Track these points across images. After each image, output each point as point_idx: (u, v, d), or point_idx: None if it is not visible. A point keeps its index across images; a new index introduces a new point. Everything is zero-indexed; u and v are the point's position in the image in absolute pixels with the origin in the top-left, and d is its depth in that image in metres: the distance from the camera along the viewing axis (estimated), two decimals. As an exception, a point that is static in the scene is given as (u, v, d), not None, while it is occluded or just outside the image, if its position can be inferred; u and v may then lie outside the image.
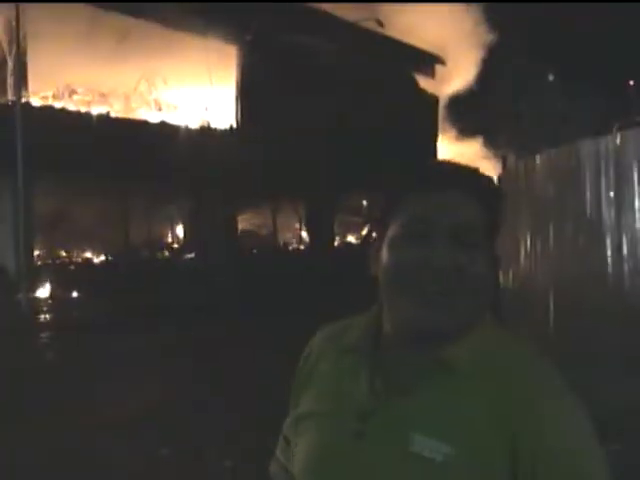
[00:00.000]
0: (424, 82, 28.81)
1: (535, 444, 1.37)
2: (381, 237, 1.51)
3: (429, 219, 1.45)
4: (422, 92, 28.19)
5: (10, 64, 15.46)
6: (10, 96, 15.35)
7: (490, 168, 29.42)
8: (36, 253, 16.67)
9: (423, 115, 27.04)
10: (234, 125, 20.58)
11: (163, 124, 18.89)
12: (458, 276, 1.42)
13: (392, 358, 1.50)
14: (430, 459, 1.38)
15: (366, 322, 1.58)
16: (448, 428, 1.40)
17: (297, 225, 23.60)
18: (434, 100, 29.44)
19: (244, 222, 21.79)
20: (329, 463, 1.50)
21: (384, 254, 1.48)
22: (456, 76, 31.19)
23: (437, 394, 1.44)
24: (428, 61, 29.18)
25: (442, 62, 29.86)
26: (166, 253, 19.73)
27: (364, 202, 25.82)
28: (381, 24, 24.61)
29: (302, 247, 23.30)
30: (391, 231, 1.48)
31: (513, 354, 1.49)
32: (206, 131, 19.69)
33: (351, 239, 26.15)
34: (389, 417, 1.45)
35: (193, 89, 20.06)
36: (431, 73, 29.75)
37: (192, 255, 19.56)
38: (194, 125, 19.64)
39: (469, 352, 1.46)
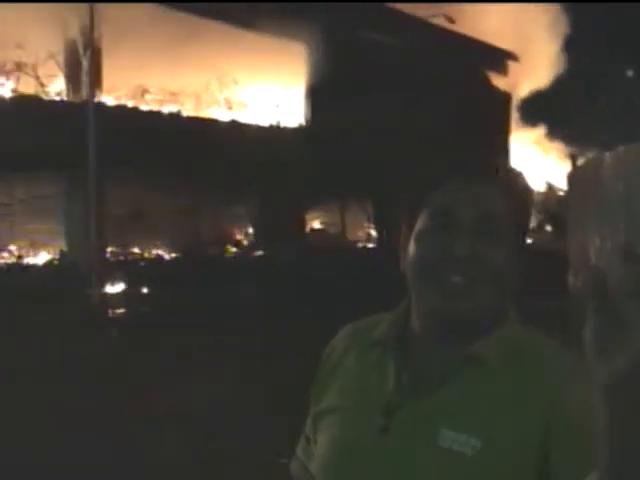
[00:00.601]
0: (496, 79, 28.46)
1: (568, 430, 1.37)
2: (408, 233, 1.55)
3: (452, 211, 1.49)
4: (494, 89, 27.87)
5: (85, 64, 15.78)
6: (84, 95, 15.67)
7: (561, 166, 29.04)
8: (109, 249, 17.01)
9: (495, 113, 26.72)
10: (303, 123, 20.67)
11: (233, 123, 19.07)
12: (479, 265, 1.45)
13: (420, 352, 1.52)
14: (460, 453, 1.39)
15: (393, 317, 1.60)
16: (477, 422, 1.41)
17: (366, 223, 23.57)
18: (506, 97, 29.07)
19: (313, 220, 21.88)
20: (352, 458, 1.49)
21: (411, 248, 1.52)
22: (530, 73, 30.73)
23: (466, 389, 1.45)
24: (500, 57, 28.80)
25: (515, 58, 29.43)
26: (235, 250, 19.90)
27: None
28: (451, 20, 24.40)
29: (371, 245, 23.27)
30: (418, 225, 1.52)
31: (543, 347, 1.51)
32: (275, 130, 19.81)
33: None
34: (416, 412, 1.45)
35: (263, 88, 20.19)
36: (503, 70, 29.36)
37: (261, 253, 19.70)
38: (264, 123, 19.78)
39: (498, 346, 1.48)
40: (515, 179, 1.58)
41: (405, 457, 1.43)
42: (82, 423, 7.25)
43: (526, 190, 1.61)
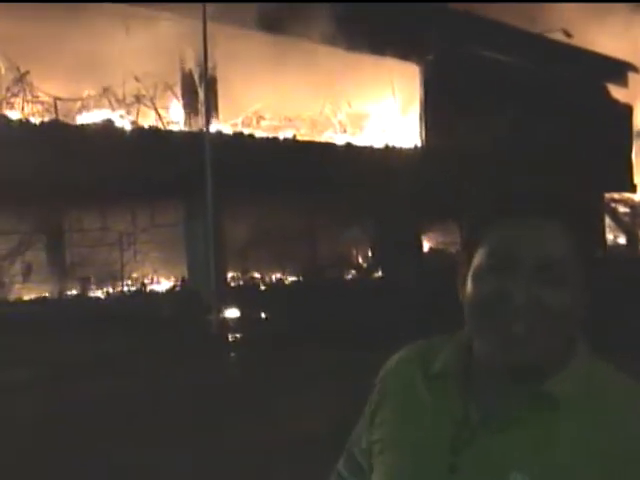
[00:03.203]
0: (616, 91, 27.70)
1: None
2: (466, 265, 1.44)
3: (512, 252, 1.37)
4: (614, 102, 27.12)
5: (201, 94, 16.10)
6: (201, 125, 15.98)
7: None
8: (230, 275, 17.25)
9: (616, 126, 26.02)
10: (418, 144, 20.54)
11: (348, 145, 19.10)
12: (540, 313, 1.34)
13: (487, 388, 1.41)
14: None
15: (456, 346, 1.50)
16: (547, 469, 1.31)
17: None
18: (628, 110, 28.25)
19: (431, 241, 21.68)
20: None
21: (468, 284, 1.41)
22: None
23: (537, 430, 1.34)
24: (620, 69, 28.05)
25: (635, 70, 28.62)
26: (353, 273, 19.87)
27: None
28: (569, 34, 23.91)
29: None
30: (476, 260, 1.41)
31: (625, 389, 1.40)
32: (390, 151, 19.74)
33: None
34: (485, 451, 1.35)
35: (377, 109, 20.20)
36: (624, 82, 28.56)
37: (379, 274, 19.60)
38: (379, 145, 19.74)
39: (573, 385, 1.37)
40: (582, 213, 1.44)
41: None
42: (208, 447, 7.29)
43: (593, 226, 1.48)
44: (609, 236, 28.03)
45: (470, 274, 1.42)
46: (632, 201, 29.00)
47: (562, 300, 1.35)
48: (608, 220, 27.77)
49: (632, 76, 28.70)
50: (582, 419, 1.34)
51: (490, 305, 1.36)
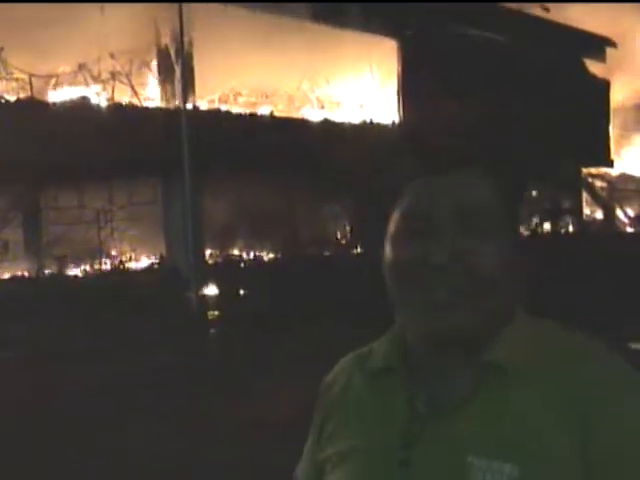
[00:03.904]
0: (594, 66, 27.77)
1: (612, 436, 1.16)
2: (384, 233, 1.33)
3: (427, 206, 1.26)
4: (592, 77, 27.19)
5: (177, 71, 15.98)
6: (178, 101, 15.88)
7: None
8: (208, 252, 17.20)
9: (594, 101, 26.12)
10: (396, 120, 20.51)
11: (326, 121, 19.04)
12: (467, 271, 1.21)
13: (428, 372, 1.29)
14: None
15: (391, 339, 1.37)
16: (510, 444, 1.19)
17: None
18: (606, 85, 28.32)
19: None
20: None
21: (386, 252, 1.30)
22: (630, 59, 29.90)
23: (490, 406, 1.23)
24: (598, 44, 28.09)
25: (613, 45, 28.66)
26: (332, 251, 19.87)
27: (533, 192, 25.16)
28: (546, 9, 23.92)
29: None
30: (391, 225, 1.30)
31: (569, 343, 1.28)
32: (368, 128, 19.70)
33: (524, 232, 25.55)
34: (438, 440, 1.23)
35: (355, 85, 20.13)
36: (602, 57, 28.62)
37: (358, 251, 19.62)
38: (356, 121, 19.69)
39: (517, 349, 1.25)
40: (502, 162, 1.34)
41: None
42: (186, 421, 7.29)
43: (518, 175, 1.39)
44: (586, 211, 28.21)
45: (387, 241, 1.30)
46: (609, 176, 29.16)
47: (491, 255, 1.22)
48: (585, 195, 27.93)
49: (610, 51, 28.76)
50: (533, 385, 1.22)
51: (409, 269, 1.24)
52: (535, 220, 24.10)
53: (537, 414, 1.20)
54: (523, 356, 1.25)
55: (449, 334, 1.24)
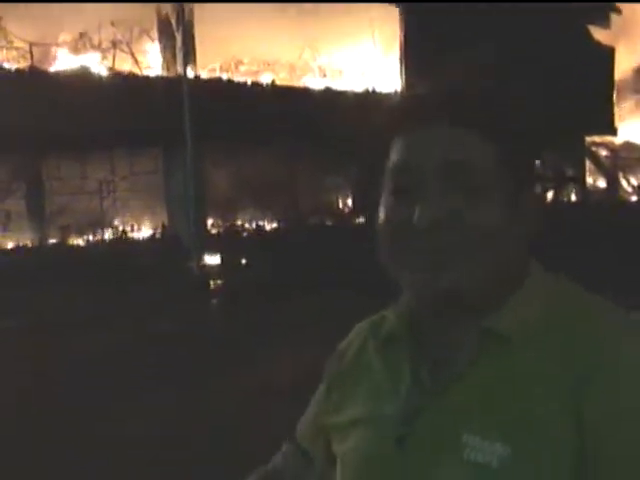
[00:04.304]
0: (598, 33, 27.54)
1: (609, 400, 1.08)
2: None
3: (415, 164, 1.18)
4: (596, 44, 26.98)
5: (178, 39, 15.89)
6: (179, 70, 15.80)
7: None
8: (210, 222, 17.19)
9: (597, 68, 25.92)
10: (398, 88, 20.39)
11: (328, 90, 18.94)
12: (455, 231, 1.14)
13: (431, 342, 1.23)
14: (484, 465, 1.11)
15: (399, 305, 1.31)
16: (504, 423, 1.12)
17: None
18: (610, 51, 28.11)
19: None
20: (370, 475, 1.24)
21: (378, 214, 1.26)
22: (635, 26, 29.67)
23: (488, 378, 1.15)
24: (602, 10, 27.83)
25: (618, 11, 28.40)
26: (334, 220, 19.85)
27: (537, 162, 25.06)
28: None
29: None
30: (382, 188, 1.26)
31: (582, 306, 1.18)
32: (370, 96, 19.59)
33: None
34: (436, 416, 1.18)
35: (357, 53, 20.00)
36: (606, 23, 28.36)
37: (361, 221, 19.60)
38: (358, 90, 19.58)
39: (523, 315, 1.17)
40: (501, 115, 1.22)
41: (426, 473, 1.17)
42: (187, 388, 7.32)
43: (519, 128, 1.25)
44: (589, 179, 28.12)
45: (380, 205, 1.25)
46: (613, 144, 29.01)
47: (481, 213, 1.14)
48: (589, 163, 27.82)
49: (615, 18, 28.52)
50: (536, 355, 1.14)
51: (397, 229, 1.19)
52: (538, 188, 24.01)
53: (536, 389, 1.12)
54: (528, 323, 1.17)
55: (445, 297, 1.17)
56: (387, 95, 19.97)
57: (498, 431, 1.12)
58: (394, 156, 1.22)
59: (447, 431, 1.16)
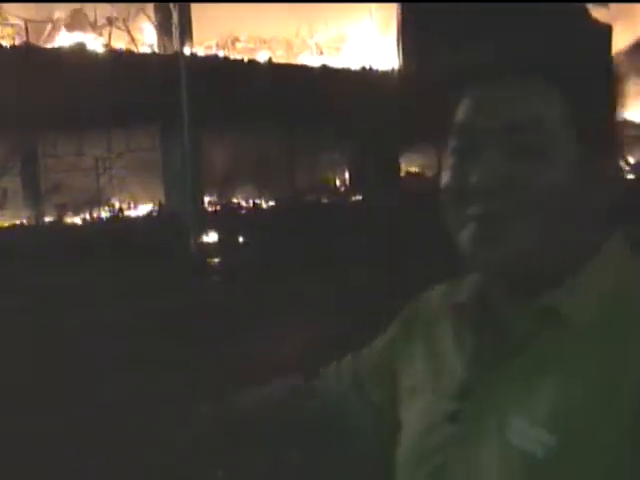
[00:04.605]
0: (596, 12, 27.44)
1: None
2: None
3: (472, 126, 1.12)
4: (594, 22, 26.87)
5: (175, 16, 15.82)
6: (176, 48, 15.74)
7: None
8: (207, 199, 17.18)
9: (594, 47, 25.81)
10: (396, 65, 20.33)
11: (324, 68, 18.89)
12: (512, 193, 1.06)
13: (492, 317, 1.16)
14: (529, 454, 1.03)
15: (476, 275, 1.24)
16: (553, 411, 1.03)
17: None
18: (607, 30, 28.01)
19: (408, 164, 21.61)
20: (425, 453, 1.19)
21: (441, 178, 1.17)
22: (633, 4, 29.56)
23: (542, 360, 1.07)
24: (600, -12, 27.73)
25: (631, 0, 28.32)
26: (332, 197, 19.85)
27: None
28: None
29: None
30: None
31: None
32: (368, 73, 19.54)
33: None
34: (487, 394, 1.11)
35: (354, 30, 19.93)
36: (604, 1, 28.25)
37: (358, 198, 19.59)
38: (356, 67, 19.53)
39: (588, 294, 1.07)
40: (570, 66, 1.17)
41: (470, 455, 1.11)
42: (185, 366, 7.34)
43: (594, 81, 1.19)
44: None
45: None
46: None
47: (548, 178, 1.06)
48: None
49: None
50: (592, 342, 1.05)
51: (453, 195, 1.12)
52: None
53: (593, 379, 1.03)
54: (592, 306, 1.07)
55: (497, 271, 1.11)
56: (384, 72, 19.92)
57: (546, 418, 1.04)
58: (457, 115, 1.15)
59: (495, 412, 1.09)
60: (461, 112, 1.14)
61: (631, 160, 28.74)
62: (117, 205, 16.54)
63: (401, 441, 1.27)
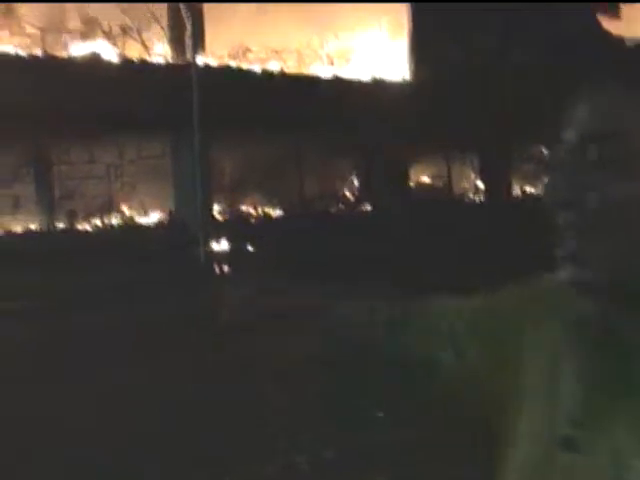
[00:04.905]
0: (608, 23, 27.38)
1: None
2: None
3: (564, 135, 1.09)
4: (605, 34, 26.85)
5: (188, 27, 15.94)
6: (188, 58, 15.86)
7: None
8: (217, 208, 17.26)
9: (607, 59, 25.78)
10: (406, 75, 20.38)
11: (336, 78, 18.96)
12: (588, 208, 0.99)
13: (622, 338, 1.04)
14: None
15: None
16: None
17: (472, 175, 23.17)
18: (619, 43, 27.98)
19: (418, 173, 21.64)
20: (539, 475, 1.09)
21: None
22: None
23: None
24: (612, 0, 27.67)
25: (630, 0, 28.21)
26: (341, 207, 19.90)
27: (543, 150, 25.00)
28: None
29: (478, 197, 22.88)
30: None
31: None
32: (378, 82, 19.60)
33: (529, 189, 25.40)
34: (604, 424, 1.00)
35: (364, 40, 19.99)
36: (616, 14, 28.18)
37: (368, 208, 19.63)
38: (366, 77, 19.59)
39: None
40: None
41: None
42: (193, 372, 7.41)
43: None
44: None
45: None
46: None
47: (620, 188, 0.98)
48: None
49: (625, 7, 28.31)
50: None
51: (544, 206, 1.05)
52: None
53: None
54: None
55: (577, 292, 1.03)
56: (394, 82, 19.97)
57: None
58: (550, 128, 1.13)
59: (612, 446, 1.00)
60: (566, 120, 1.10)
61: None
62: (127, 212, 16.63)
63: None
